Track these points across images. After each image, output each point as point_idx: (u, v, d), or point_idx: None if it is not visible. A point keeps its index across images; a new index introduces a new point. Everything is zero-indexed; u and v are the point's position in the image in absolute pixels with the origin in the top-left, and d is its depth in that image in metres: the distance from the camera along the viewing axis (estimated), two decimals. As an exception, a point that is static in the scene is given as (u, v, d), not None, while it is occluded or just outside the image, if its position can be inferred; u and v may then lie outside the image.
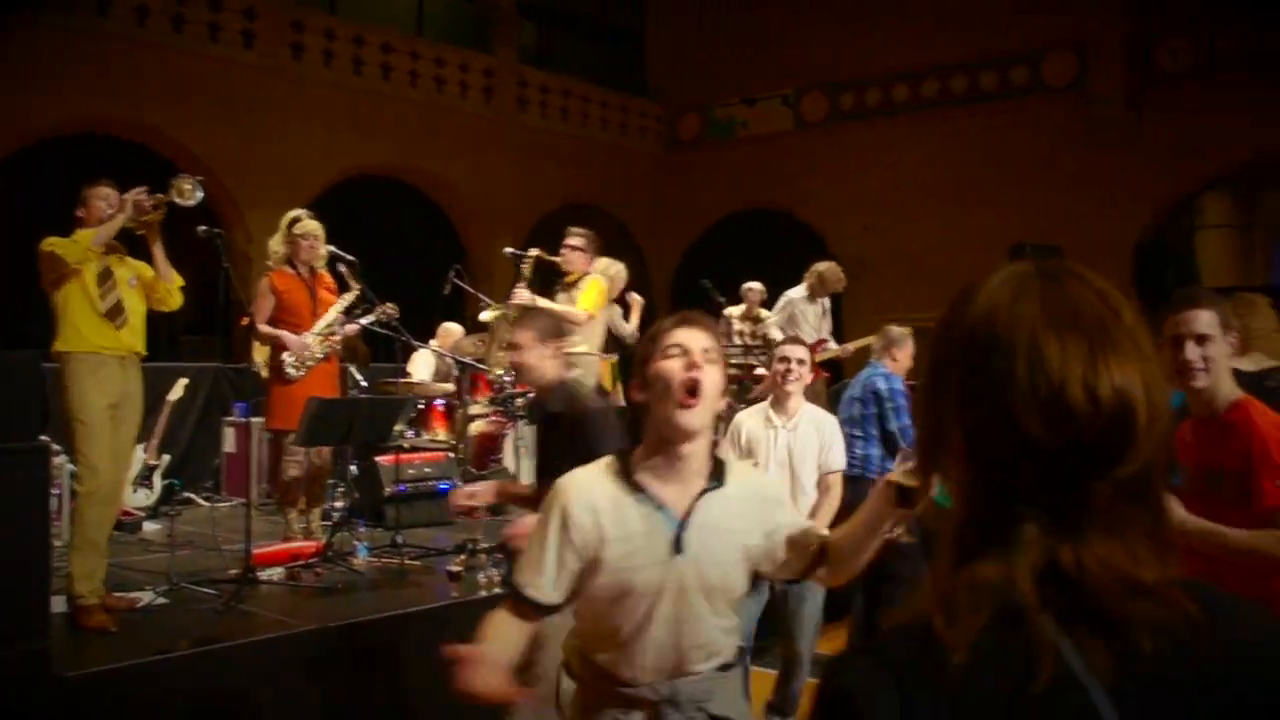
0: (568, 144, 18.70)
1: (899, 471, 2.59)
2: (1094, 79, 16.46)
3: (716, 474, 2.66)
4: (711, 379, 2.59)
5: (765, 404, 5.47)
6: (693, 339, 2.61)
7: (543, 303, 7.62)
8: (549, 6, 19.54)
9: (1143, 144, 15.77)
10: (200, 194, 5.66)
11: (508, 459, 8.18)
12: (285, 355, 6.81)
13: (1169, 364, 3.37)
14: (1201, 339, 3.32)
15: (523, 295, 7.64)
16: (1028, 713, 0.96)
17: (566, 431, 4.00)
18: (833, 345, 10.08)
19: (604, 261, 9.07)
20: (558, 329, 4.28)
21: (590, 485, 2.64)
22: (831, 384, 10.18)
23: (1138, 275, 15.07)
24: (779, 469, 5.24)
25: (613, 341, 8.86)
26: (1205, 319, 3.32)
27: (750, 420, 5.46)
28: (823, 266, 10.06)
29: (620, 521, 2.57)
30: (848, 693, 1.02)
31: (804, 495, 5.25)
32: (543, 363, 4.15)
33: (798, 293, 10.05)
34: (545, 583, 2.60)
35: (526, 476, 7.54)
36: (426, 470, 8.06)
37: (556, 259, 7.83)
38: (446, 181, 17.06)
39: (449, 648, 2.44)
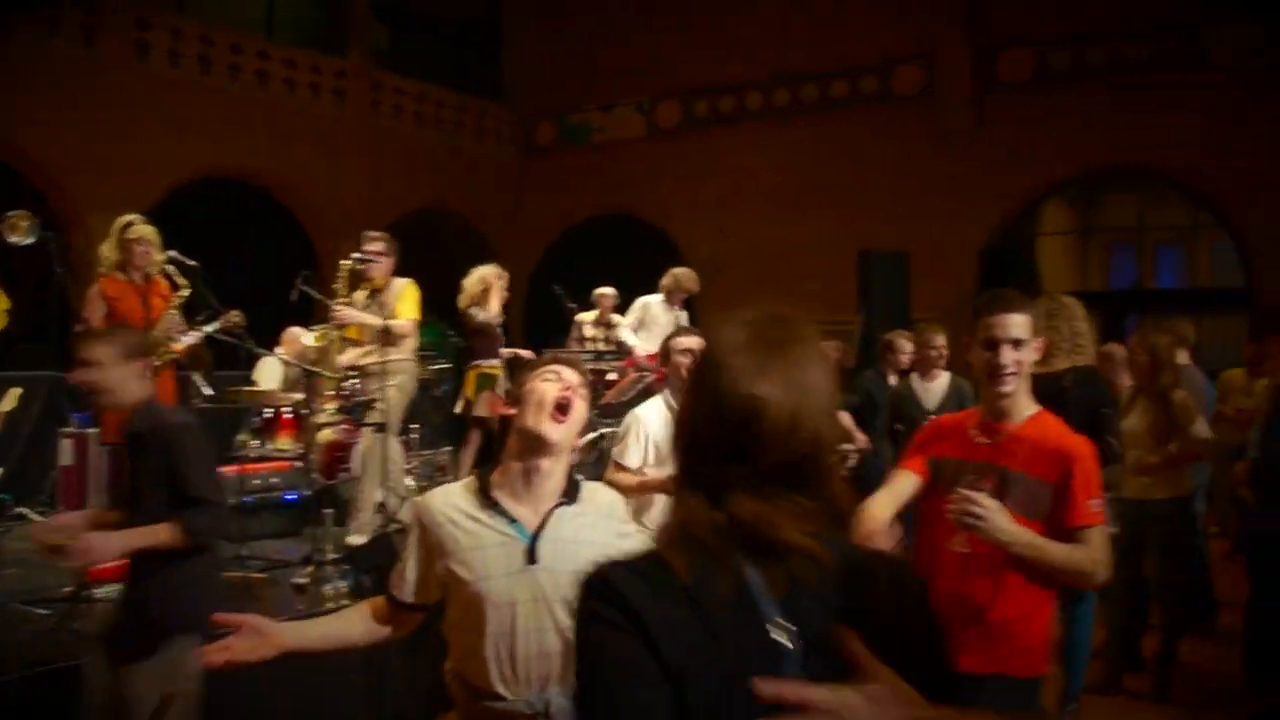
0: (422, 149, 18.51)
1: None
2: (941, 89, 16.88)
3: (570, 492, 2.86)
4: (579, 408, 2.87)
5: (660, 399, 5.19)
6: (567, 373, 2.89)
7: (368, 319, 7.50)
8: (403, 9, 19.32)
9: (987, 152, 16.26)
10: (35, 236, 5.50)
11: (356, 467, 8.05)
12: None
13: (979, 365, 3.35)
14: (1017, 343, 3.28)
15: (347, 313, 7.50)
16: (725, 613, 1.44)
17: (152, 451, 3.81)
18: None
19: (493, 269, 9.10)
20: (142, 346, 4.02)
21: (447, 500, 2.84)
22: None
23: (982, 279, 15.47)
24: None
25: (487, 349, 8.85)
26: (1020, 323, 3.29)
27: (652, 418, 5.07)
28: (678, 269, 10.13)
29: (474, 533, 2.75)
30: (615, 584, 1.50)
31: None
32: (126, 383, 3.88)
33: (654, 297, 10.11)
34: (406, 585, 2.83)
35: (374, 484, 7.44)
36: (273, 480, 7.89)
37: (362, 266, 7.67)
38: (297, 186, 16.74)
39: (220, 615, 2.49)
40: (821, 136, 17.47)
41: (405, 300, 7.58)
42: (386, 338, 7.45)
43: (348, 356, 7.59)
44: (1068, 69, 16.05)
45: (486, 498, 2.79)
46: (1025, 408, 3.38)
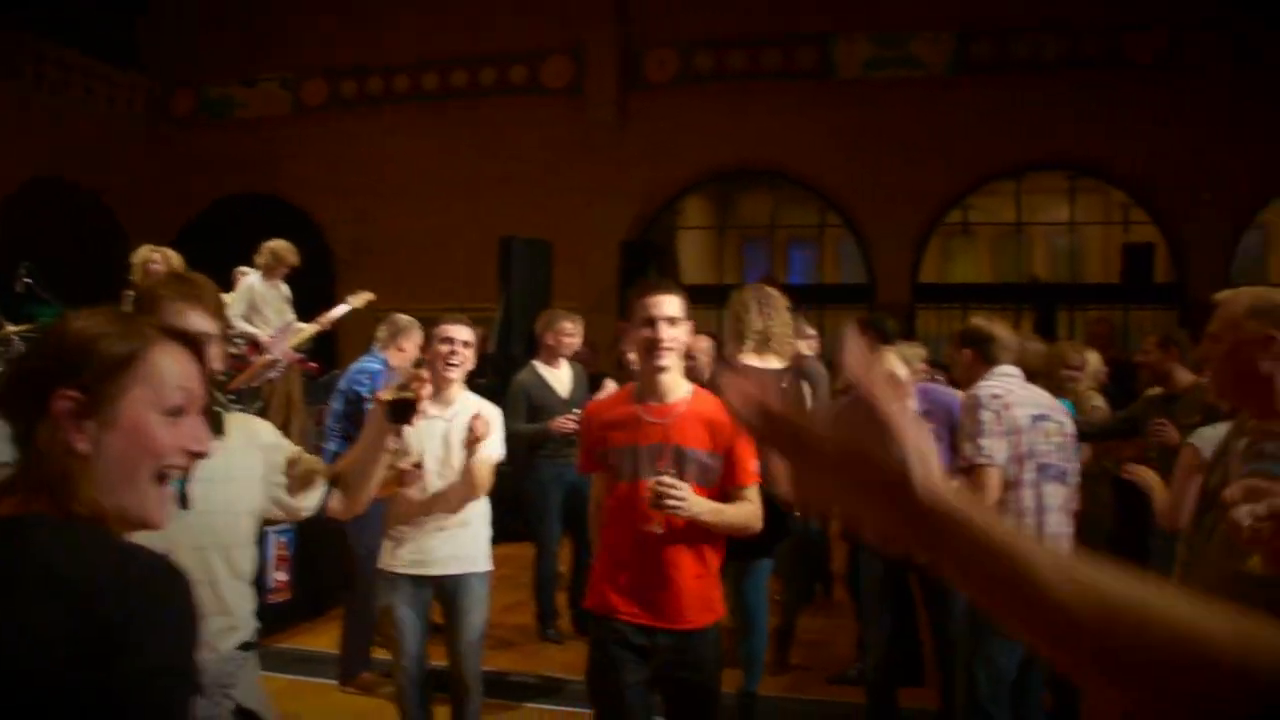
0: (41, 113, 17.14)
1: (389, 389, 2.95)
2: (589, 83, 17.26)
3: (213, 426, 2.65)
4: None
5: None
6: (194, 320, 2.65)
7: None
8: (26, -40, 17.88)
9: (631, 147, 16.76)
10: None
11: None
12: None
13: (640, 344, 3.60)
14: (672, 321, 3.54)
15: None
16: None
17: None
18: (300, 325, 9.30)
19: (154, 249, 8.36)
20: None
21: None
22: (323, 374, 9.96)
23: (623, 270, 15.86)
24: (435, 463, 4.56)
25: None
26: (675, 303, 3.57)
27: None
28: (273, 243, 9.31)
29: None
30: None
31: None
32: None
33: (254, 276, 9.26)
34: None
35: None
36: None
37: None
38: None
39: None
40: (468, 123, 17.51)
41: None
42: None
43: None
44: (709, 70, 16.80)
45: None
46: (683, 386, 3.66)
